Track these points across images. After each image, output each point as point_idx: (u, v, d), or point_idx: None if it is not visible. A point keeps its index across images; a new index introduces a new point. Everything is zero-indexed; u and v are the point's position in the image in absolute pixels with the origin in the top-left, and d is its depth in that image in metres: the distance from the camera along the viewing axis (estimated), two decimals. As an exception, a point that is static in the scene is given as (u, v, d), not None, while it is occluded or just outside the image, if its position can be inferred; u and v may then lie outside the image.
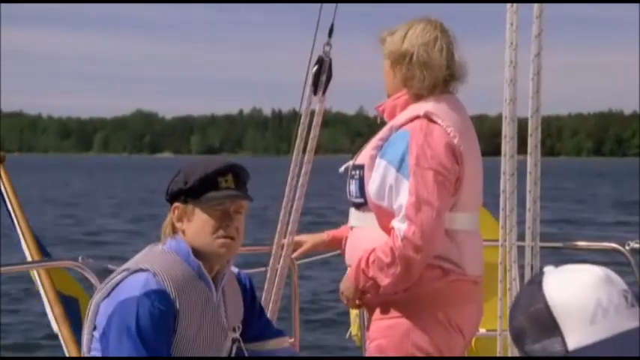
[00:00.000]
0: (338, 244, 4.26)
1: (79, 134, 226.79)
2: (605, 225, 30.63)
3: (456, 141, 3.81)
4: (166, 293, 3.20)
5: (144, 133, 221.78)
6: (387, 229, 3.83)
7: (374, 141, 3.92)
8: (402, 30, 3.94)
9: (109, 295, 3.26)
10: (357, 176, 3.92)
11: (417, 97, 3.91)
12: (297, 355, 3.67)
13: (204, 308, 3.29)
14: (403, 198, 3.76)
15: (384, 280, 3.80)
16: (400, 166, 3.79)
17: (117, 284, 3.26)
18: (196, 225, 3.30)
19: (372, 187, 3.86)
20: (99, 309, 3.27)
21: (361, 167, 3.91)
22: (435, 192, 3.74)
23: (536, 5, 3.55)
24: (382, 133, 3.92)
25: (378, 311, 3.92)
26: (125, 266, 3.31)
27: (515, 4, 3.60)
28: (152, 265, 3.25)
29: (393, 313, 3.88)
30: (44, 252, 5.02)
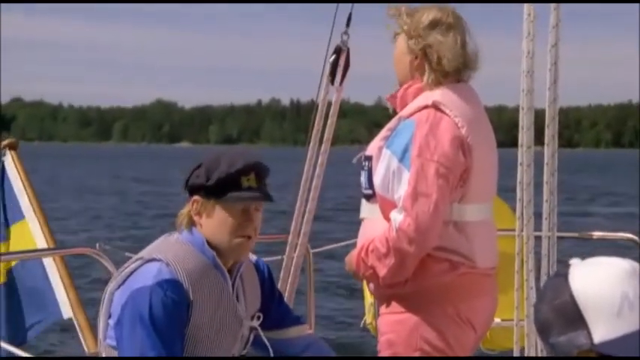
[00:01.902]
0: None
1: (99, 123, 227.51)
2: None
3: (464, 131, 3.73)
4: (179, 283, 3.21)
5: (163, 122, 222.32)
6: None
7: (383, 132, 3.87)
8: (414, 16, 3.87)
9: (122, 283, 3.27)
10: (366, 167, 3.87)
11: (429, 86, 3.84)
12: (314, 354, 3.64)
13: (218, 298, 3.29)
14: (402, 189, 3.71)
15: (382, 271, 3.76)
16: (403, 157, 3.73)
17: (131, 273, 3.27)
18: (215, 222, 3.30)
19: (377, 178, 3.81)
20: (113, 297, 3.29)
21: (370, 158, 3.87)
22: (435, 185, 3.67)
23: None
24: (391, 123, 3.87)
25: (387, 305, 3.89)
26: (139, 255, 3.32)
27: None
28: (165, 254, 3.25)
29: (402, 307, 3.83)
30: None
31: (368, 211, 3.93)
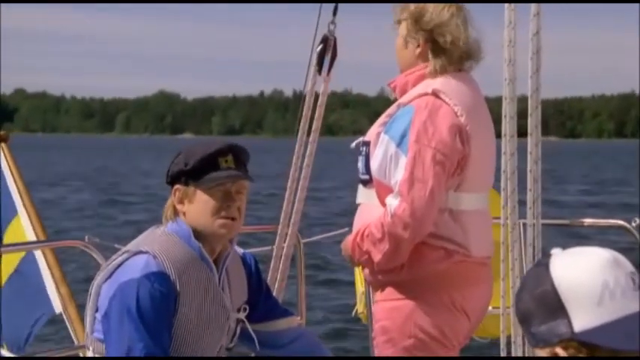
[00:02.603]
0: None
1: (102, 115, 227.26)
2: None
3: (462, 120, 3.76)
4: (166, 275, 3.22)
5: (165, 114, 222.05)
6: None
7: (382, 117, 3.89)
8: (417, 7, 3.89)
9: (110, 276, 3.28)
10: (363, 153, 3.89)
11: (430, 74, 3.86)
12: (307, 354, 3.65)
13: (205, 290, 3.30)
14: (399, 174, 3.73)
15: (377, 256, 3.79)
16: (401, 142, 3.75)
17: (118, 266, 3.27)
18: (197, 206, 3.30)
19: (374, 163, 3.84)
20: (101, 290, 3.29)
21: (368, 144, 3.89)
22: (432, 171, 3.69)
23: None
24: (390, 109, 3.89)
25: (382, 292, 3.91)
26: (126, 248, 3.33)
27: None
28: (152, 247, 3.26)
29: (397, 294, 3.86)
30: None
31: (364, 196, 3.96)
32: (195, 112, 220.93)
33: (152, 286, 3.18)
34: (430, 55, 3.86)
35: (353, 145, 4.02)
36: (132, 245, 3.33)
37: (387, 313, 3.89)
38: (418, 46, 3.88)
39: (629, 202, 30.72)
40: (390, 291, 3.88)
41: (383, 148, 3.81)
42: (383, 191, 3.83)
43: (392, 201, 3.73)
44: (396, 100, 3.95)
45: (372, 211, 3.87)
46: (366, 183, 3.92)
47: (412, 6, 3.89)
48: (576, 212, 23.86)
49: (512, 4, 3.59)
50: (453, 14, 3.85)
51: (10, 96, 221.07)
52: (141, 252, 3.27)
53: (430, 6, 3.87)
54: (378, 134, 3.84)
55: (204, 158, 3.29)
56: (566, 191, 35.75)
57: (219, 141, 3.41)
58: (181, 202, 3.34)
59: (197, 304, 3.29)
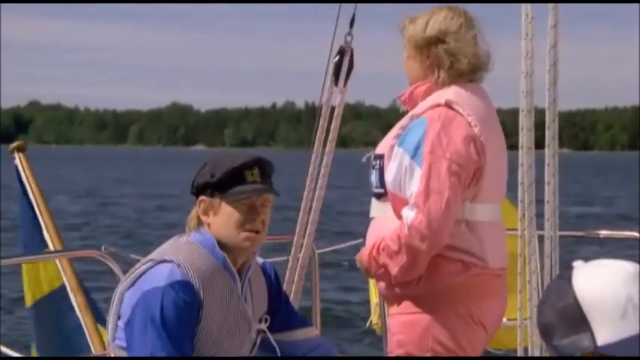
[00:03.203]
0: None
1: (115, 126, 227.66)
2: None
3: (477, 131, 3.74)
4: (190, 284, 3.22)
5: (178, 125, 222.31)
6: None
7: (395, 130, 3.87)
8: (425, 17, 3.87)
9: (133, 285, 3.28)
10: (377, 166, 3.88)
11: (440, 86, 3.84)
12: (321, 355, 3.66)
13: (228, 300, 3.31)
14: (414, 186, 3.71)
15: (394, 269, 3.77)
16: (415, 154, 3.74)
17: (141, 274, 3.28)
18: (222, 218, 3.31)
19: (389, 176, 3.82)
20: (123, 298, 3.30)
21: (381, 157, 3.87)
22: (447, 182, 3.67)
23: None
24: (403, 121, 3.87)
25: (398, 305, 3.88)
26: (150, 257, 3.33)
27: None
28: (177, 256, 3.27)
29: (414, 308, 3.83)
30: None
31: (378, 209, 3.93)
32: (207, 123, 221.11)
33: (176, 295, 3.19)
34: (438, 67, 3.84)
35: (364, 158, 4.02)
36: (156, 254, 3.34)
37: (404, 327, 3.86)
38: (427, 57, 3.86)
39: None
40: (406, 304, 3.85)
41: (397, 160, 3.79)
42: (399, 204, 3.81)
43: (408, 213, 3.71)
44: (405, 112, 3.94)
45: (386, 224, 3.85)
46: (380, 196, 3.90)
47: (420, 18, 3.88)
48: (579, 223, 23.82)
49: (530, 17, 3.57)
50: (461, 25, 3.83)
51: (24, 108, 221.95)
52: (165, 261, 3.27)
53: (439, 17, 3.85)
54: (392, 147, 3.83)
55: (231, 171, 3.31)
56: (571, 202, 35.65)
57: (245, 153, 3.42)
58: (206, 213, 3.34)
59: (220, 314, 3.30)
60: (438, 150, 3.70)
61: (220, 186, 3.31)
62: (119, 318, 3.31)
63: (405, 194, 3.77)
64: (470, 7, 3.84)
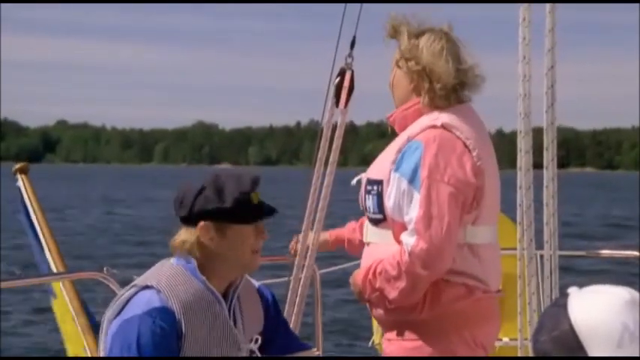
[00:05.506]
0: (341, 243, 4.29)
1: (141, 145, 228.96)
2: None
3: (475, 153, 3.71)
4: (170, 311, 3.20)
5: (203, 144, 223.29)
6: None
7: (392, 154, 3.82)
8: (409, 43, 3.85)
9: (119, 313, 3.27)
10: (374, 192, 3.82)
11: (430, 107, 3.82)
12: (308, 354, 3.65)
13: (212, 323, 3.28)
14: (413, 211, 3.66)
15: (391, 293, 3.73)
16: (413, 178, 3.69)
17: (127, 301, 3.27)
18: (232, 242, 3.28)
19: (389, 202, 3.77)
20: (110, 326, 3.29)
21: (378, 182, 3.81)
22: (446, 206, 3.63)
23: (548, 19, 3.52)
24: (399, 144, 3.82)
25: (400, 330, 3.84)
26: (134, 282, 3.32)
27: (527, 18, 3.55)
28: (159, 281, 3.25)
29: (417, 334, 3.79)
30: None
31: (376, 235, 3.87)
32: (232, 142, 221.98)
33: (153, 323, 3.18)
34: (423, 90, 3.82)
35: (354, 182, 3.97)
36: (140, 279, 3.33)
37: (409, 352, 3.80)
38: (412, 81, 3.85)
39: None
40: (409, 330, 3.80)
41: (395, 185, 3.74)
42: (399, 230, 3.76)
43: (408, 239, 3.67)
44: (393, 132, 3.93)
45: (386, 250, 3.79)
46: (378, 222, 3.85)
47: (403, 43, 3.86)
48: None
49: (527, 39, 3.56)
50: (443, 47, 3.81)
51: (52, 127, 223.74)
52: (147, 287, 3.26)
53: (422, 40, 3.84)
54: (390, 172, 3.78)
55: (241, 196, 3.28)
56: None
57: (244, 173, 3.38)
58: (210, 237, 3.30)
59: (204, 339, 3.26)
60: (435, 174, 3.66)
61: (231, 211, 3.27)
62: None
63: (404, 219, 3.73)
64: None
